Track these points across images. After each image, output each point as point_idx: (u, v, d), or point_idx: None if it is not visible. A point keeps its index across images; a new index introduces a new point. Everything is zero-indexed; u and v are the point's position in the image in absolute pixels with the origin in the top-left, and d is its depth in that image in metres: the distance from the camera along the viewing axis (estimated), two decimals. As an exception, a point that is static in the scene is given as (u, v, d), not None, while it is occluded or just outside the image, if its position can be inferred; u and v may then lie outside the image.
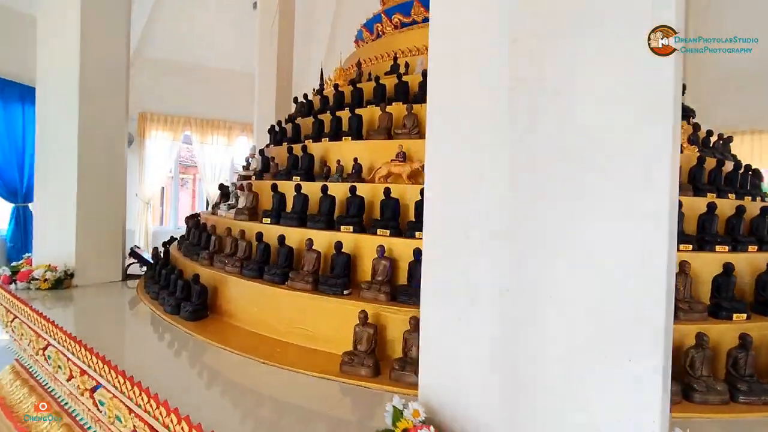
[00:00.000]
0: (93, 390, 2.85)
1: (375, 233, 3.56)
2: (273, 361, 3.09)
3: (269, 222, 4.19)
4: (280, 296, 3.55)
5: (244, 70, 11.16)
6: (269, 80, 8.86)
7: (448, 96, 1.94)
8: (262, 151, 5.39)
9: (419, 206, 3.56)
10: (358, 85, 5.16)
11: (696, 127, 4.52)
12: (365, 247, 3.58)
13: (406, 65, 5.15)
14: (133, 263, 5.80)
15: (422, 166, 3.85)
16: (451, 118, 1.92)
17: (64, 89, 5.03)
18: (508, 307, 1.68)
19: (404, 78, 4.82)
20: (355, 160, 4.21)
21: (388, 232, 3.51)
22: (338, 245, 3.49)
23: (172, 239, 6.19)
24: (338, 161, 4.32)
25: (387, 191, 3.65)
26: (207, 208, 14.07)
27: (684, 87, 4.34)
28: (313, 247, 3.62)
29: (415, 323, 2.85)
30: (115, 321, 4.19)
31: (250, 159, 5.70)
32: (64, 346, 3.23)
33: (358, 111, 4.64)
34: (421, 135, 4.19)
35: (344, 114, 4.77)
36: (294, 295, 3.48)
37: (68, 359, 3.16)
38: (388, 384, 2.77)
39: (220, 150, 13.55)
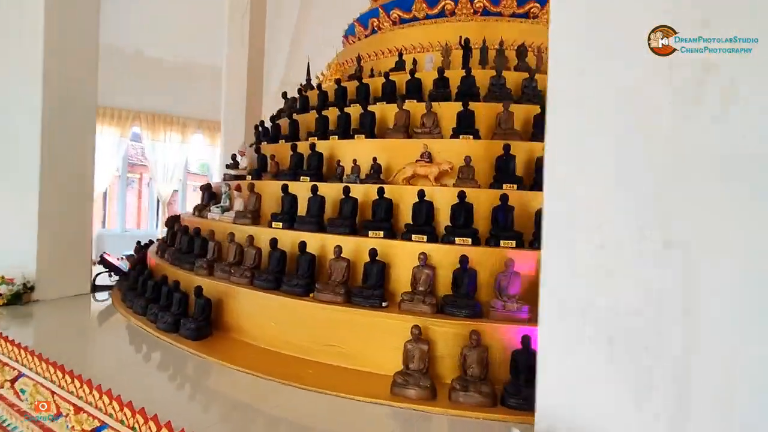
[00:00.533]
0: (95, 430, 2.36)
1: (409, 239, 3.29)
2: (307, 384, 2.74)
3: (281, 227, 3.79)
4: (304, 310, 3.19)
5: (202, 62, 10.35)
6: (239, 75, 8.26)
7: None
8: (257, 149, 4.92)
9: (455, 210, 3.33)
10: (363, 81, 4.85)
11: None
12: (397, 254, 3.29)
13: (414, 62, 4.91)
14: (103, 272, 5.13)
15: (451, 168, 3.63)
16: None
17: (25, 81, 4.35)
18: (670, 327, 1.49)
19: (417, 75, 4.55)
20: (375, 159, 3.92)
21: (425, 237, 3.25)
22: (373, 252, 3.18)
23: (145, 245, 5.56)
24: (354, 161, 4.00)
25: (421, 194, 3.40)
26: (159, 210, 12.99)
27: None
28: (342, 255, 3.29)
29: (476, 338, 2.62)
30: (100, 343, 3.62)
31: (240, 157, 5.21)
32: (43, 376, 2.68)
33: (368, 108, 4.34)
34: (442, 134, 3.96)
35: (352, 110, 4.46)
36: (321, 309, 3.13)
37: (53, 394, 2.61)
38: (449, 407, 2.51)
39: (173, 148, 12.62)
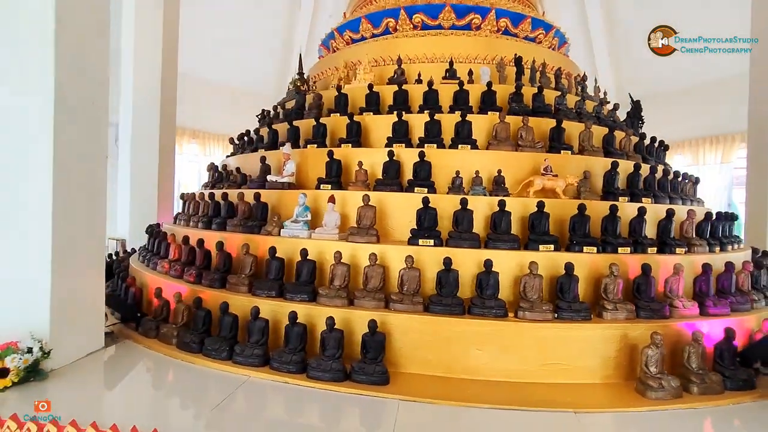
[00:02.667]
0: None
1: (580, 251, 3.44)
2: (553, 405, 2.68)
3: (432, 244, 3.45)
4: (511, 331, 3.04)
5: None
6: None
7: None
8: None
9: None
10: (403, 87, 4.68)
11: (642, 136, 5.04)
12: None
13: (470, 73, 4.95)
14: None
15: (577, 181, 3.90)
16: None
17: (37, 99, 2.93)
18: None
19: (465, 86, 4.62)
20: (499, 172, 3.91)
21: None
22: (569, 267, 3.23)
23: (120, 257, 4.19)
24: (477, 172, 3.90)
25: (582, 208, 3.56)
26: None
27: (617, 105, 5.38)
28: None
29: (699, 336, 2.99)
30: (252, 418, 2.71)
31: (287, 162, 4.33)
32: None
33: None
34: (545, 148, 4.19)
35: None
36: (531, 328, 3.05)
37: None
38: (695, 400, 2.82)
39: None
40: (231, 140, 6.27)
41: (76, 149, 3.14)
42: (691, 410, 2.74)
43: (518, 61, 5.00)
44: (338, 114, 4.76)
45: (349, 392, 2.82)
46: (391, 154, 4.01)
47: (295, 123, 4.84)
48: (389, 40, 5.62)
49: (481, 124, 4.29)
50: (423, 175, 3.90)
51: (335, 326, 3.02)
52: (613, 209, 3.63)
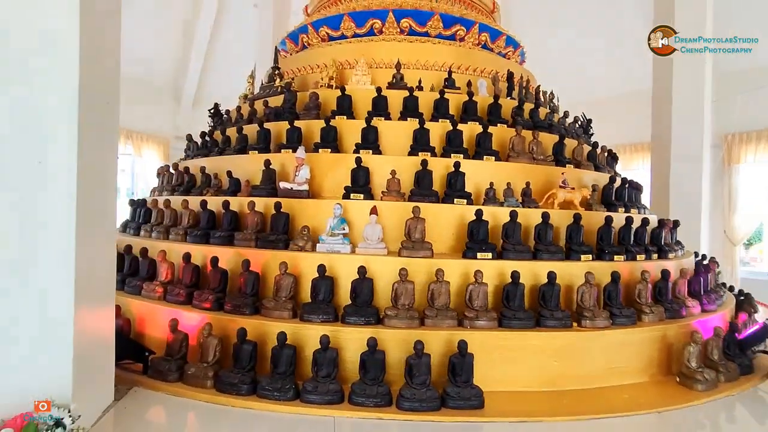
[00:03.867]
0: None
1: (611, 259, 3.72)
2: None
3: (491, 257, 3.40)
4: (579, 340, 3.17)
5: None
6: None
7: None
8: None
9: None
10: (415, 93, 4.60)
11: (595, 145, 5.24)
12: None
13: (469, 84, 5.00)
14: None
15: (591, 193, 4.21)
16: None
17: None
18: None
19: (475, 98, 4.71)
20: (527, 184, 4.02)
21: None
22: (616, 276, 3.48)
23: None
24: (508, 184, 3.96)
25: (609, 219, 3.85)
26: None
27: (566, 113, 5.57)
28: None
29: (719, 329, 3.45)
30: None
31: (300, 169, 3.84)
32: None
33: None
34: (556, 162, 4.44)
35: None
36: (596, 336, 3.22)
37: None
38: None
39: None
40: (189, 137, 5.46)
41: (96, 163, 2.42)
42: (731, 396, 3.15)
43: (510, 77, 5.23)
44: (344, 117, 4.44)
45: (451, 420, 2.65)
46: (424, 163, 3.86)
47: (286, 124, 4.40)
48: (377, 43, 5.42)
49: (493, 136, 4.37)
50: (459, 186, 3.85)
51: (424, 350, 2.81)
52: (608, 220, 3.94)
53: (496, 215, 3.72)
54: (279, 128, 4.54)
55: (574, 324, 3.26)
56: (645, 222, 4.22)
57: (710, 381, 3.16)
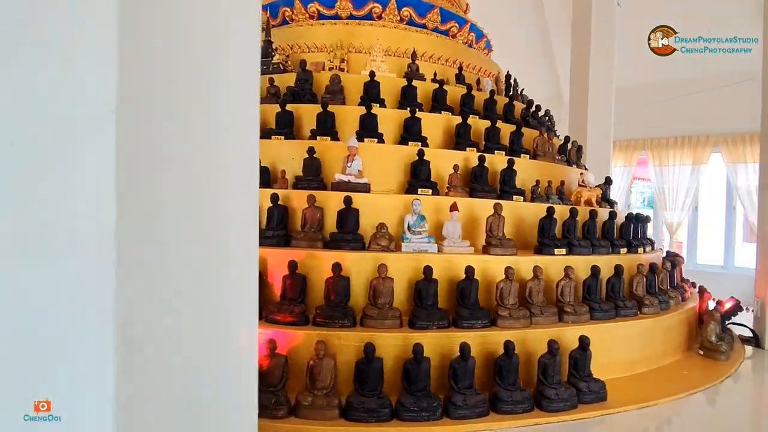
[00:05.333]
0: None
1: (637, 252, 4.14)
2: None
3: (564, 253, 3.48)
4: (644, 327, 3.46)
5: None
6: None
7: None
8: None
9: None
10: (449, 87, 4.51)
11: (566, 139, 5.22)
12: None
13: (478, 81, 5.02)
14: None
15: (600, 192, 4.61)
16: None
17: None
18: None
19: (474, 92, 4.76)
20: (562, 183, 4.23)
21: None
22: (654, 267, 3.86)
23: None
24: (549, 182, 4.10)
25: (631, 216, 4.25)
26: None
27: (549, 112, 5.80)
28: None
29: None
30: None
31: (352, 160, 3.33)
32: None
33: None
34: (567, 161, 4.75)
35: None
36: (653, 321, 3.54)
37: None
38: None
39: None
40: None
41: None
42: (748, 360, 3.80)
43: (507, 78, 5.42)
44: (376, 104, 4.09)
45: (588, 416, 2.67)
46: (482, 159, 3.78)
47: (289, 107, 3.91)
48: (376, 28, 5.09)
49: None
50: (512, 183, 3.86)
51: (558, 348, 2.76)
52: (630, 216, 4.44)
53: (539, 212, 3.84)
54: (299, 111, 3.99)
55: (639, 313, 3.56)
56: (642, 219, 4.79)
57: (728, 351, 3.75)
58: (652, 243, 4.79)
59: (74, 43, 1.14)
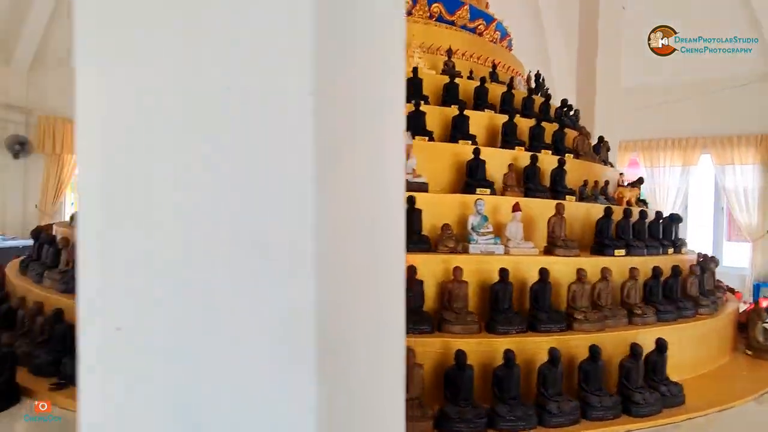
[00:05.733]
0: None
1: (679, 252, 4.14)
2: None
3: (624, 254, 3.43)
4: (707, 327, 3.45)
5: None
6: None
7: None
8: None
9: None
10: (486, 84, 4.42)
11: (600, 139, 5.32)
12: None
13: (511, 80, 4.95)
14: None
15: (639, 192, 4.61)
16: None
17: None
18: None
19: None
20: (606, 183, 4.19)
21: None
22: (704, 267, 3.85)
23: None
24: (595, 182, 4.06)
25: (673, 217, 4.25)
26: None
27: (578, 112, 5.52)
28: None
29: None
30: None
31: (408, 159, 3.21)
32: None
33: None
34: (603, 161, 4.73)
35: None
36: (711, 322, 3.53)
37: None
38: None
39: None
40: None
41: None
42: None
43: (537, 77, 5.37)
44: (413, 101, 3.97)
45: (673, 420, 2.61)
46: (534, 158, 3.71)
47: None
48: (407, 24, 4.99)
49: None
50: (563, 183, 3.80)
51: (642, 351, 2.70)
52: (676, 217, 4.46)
53: (591, 212, 3.81)
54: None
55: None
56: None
57: (775, 351, 3.77)
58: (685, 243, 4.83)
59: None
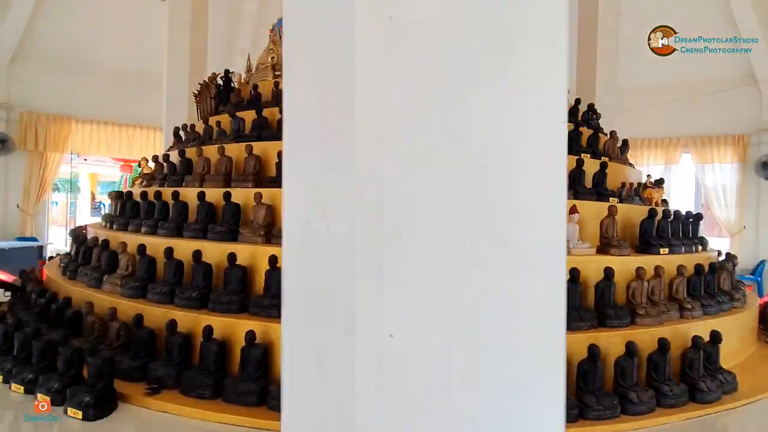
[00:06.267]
0: None
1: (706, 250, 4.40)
2: None
3: (667, 252, 3.66)
4: (732, 320, 3.70)
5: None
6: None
7: None
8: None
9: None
10: None
11: (625, 142, 5.31)
12: None
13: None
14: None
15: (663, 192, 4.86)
16: None
17: None
18: None
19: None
20: (640, 184, 4.42)
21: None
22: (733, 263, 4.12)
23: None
24: (630, 184, 4.29)
25: (687, 214, 4.50)
26: None
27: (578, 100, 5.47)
28: None
29: None
30: None
31: None
32: None
33: None
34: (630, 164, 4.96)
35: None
36: (738, 318, 3.79)
37: None
38: None
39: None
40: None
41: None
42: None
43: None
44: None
45: (725, 408, 2.83)
46: (580, 162, 3.90)
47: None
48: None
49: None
50: (605, 185, 4.00)
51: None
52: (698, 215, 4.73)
53: (629, 213, 4.02)
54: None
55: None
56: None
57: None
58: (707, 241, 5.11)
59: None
